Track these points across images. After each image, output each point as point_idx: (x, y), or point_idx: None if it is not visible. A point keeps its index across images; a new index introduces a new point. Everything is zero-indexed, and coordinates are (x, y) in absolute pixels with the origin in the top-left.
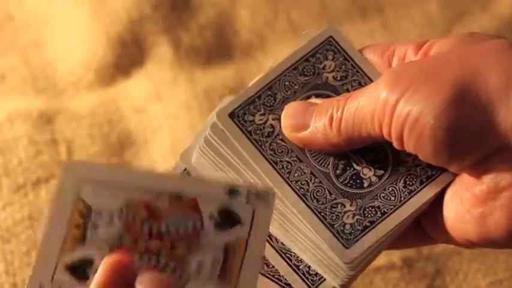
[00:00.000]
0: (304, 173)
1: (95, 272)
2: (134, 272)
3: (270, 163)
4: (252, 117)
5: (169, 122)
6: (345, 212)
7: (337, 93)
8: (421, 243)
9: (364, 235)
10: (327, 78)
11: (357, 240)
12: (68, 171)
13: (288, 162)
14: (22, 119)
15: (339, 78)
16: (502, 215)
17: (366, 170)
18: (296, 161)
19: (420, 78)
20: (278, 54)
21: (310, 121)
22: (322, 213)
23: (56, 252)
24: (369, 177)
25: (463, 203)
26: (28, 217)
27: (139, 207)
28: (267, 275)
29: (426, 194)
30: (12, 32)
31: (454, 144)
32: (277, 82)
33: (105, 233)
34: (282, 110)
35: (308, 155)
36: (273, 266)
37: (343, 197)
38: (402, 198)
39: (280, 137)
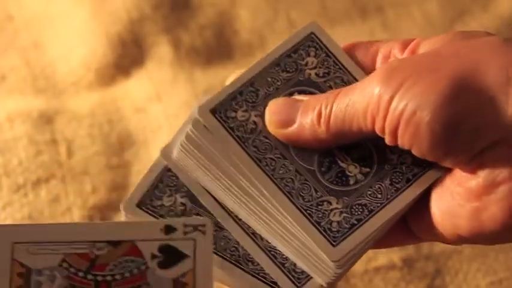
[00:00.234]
0: (289, 170)
1: None
2: None
3: (254, 160)
4: (234, 114)
5: (169, 122)
6: (332, 210)
7: (320, 90)
8: (406, 242)
9: (351, 233)
10: (310, 74)
11: (344, 239)
12: None
13: (271, 159)
14: (22, 119)
15: (321, 74)
16: (497, 209)
17: (351, 168)
18: (280, 158)
19: (415, 74)
20: None
21: (296, 117)
22: (308, 211)
23: None
24: (355, 175)
25: (454, 198)
26: (28, 217)
27: (79, 259)
28: (252, 273)
29: (413, 191)
30: (12, 32)
31: (451, 139)
32: (259, 78)
33: (51, 287)
34: (265, 107)
35: (292, 152)
36: (258, 264)
37: (329, 195)
38: (389, 196)
39: (264, 134)
